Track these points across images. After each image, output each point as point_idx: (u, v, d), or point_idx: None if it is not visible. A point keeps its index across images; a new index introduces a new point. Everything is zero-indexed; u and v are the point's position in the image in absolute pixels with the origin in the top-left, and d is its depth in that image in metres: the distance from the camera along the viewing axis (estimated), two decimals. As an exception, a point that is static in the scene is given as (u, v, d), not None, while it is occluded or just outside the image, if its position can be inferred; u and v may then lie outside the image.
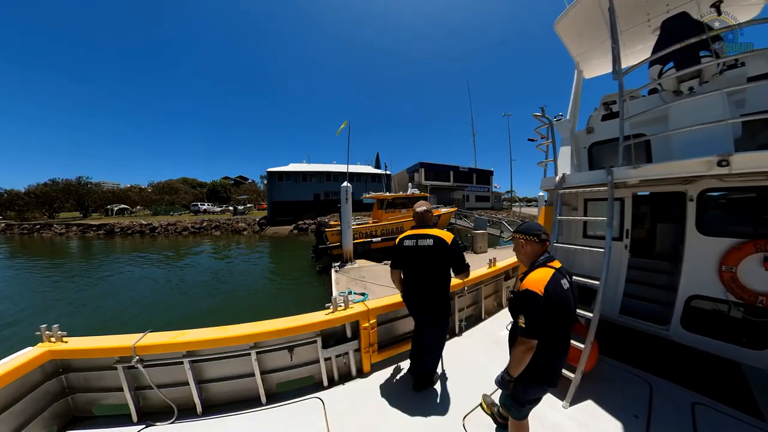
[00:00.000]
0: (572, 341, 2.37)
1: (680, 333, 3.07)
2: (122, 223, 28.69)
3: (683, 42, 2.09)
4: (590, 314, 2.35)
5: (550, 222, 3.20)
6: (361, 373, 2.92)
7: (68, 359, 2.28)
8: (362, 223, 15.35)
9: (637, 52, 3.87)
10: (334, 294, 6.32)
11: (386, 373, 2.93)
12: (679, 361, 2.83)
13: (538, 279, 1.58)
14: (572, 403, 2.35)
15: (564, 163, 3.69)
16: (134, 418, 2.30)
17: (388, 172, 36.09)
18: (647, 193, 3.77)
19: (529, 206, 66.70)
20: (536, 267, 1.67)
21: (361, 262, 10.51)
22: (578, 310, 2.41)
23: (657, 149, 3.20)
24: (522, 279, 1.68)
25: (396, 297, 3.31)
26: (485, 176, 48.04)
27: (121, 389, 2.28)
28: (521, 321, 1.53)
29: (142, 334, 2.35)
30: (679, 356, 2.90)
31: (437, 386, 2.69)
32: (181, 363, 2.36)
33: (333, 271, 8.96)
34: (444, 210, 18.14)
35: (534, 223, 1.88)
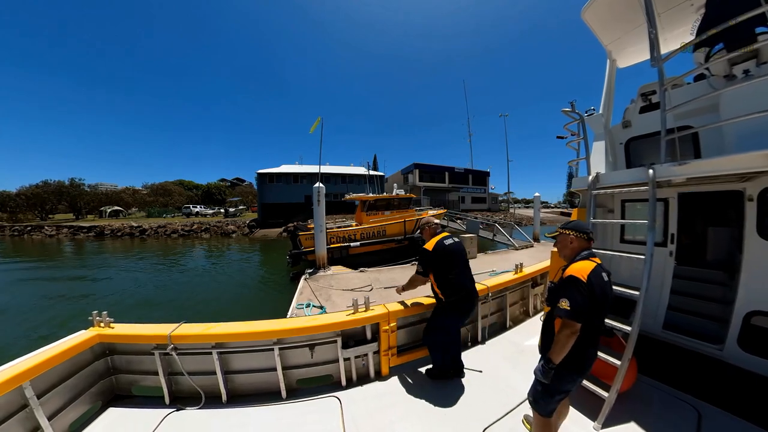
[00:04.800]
0: (608, 356, 2.19)
1: (737, 354, 2.64)
2: (112, 226, 28.44)
3: (737, 18, 1.79)
4: (628, 328, 2.11)
5: None
6: (380, 376, 2.92)
7: (114, 343, 2.53)
8: (341, 226, 14.63)
9: (678, 36, 3.46)
10: (291, 306, 6.00)
11: (405, 377, 2.90)
12: (734, 387, 2.47)
13: (582, 268, 1.68)
14: (605, 425, 2.15)
15: (597, 161, 3.39)
16: (167, 400, 2.49)
17: (381, 174, 35.60)
18: (696, 192, 3.36)
19: (527, 207, 66.35)
20: (579, 259, 1.77)
21: (335, 269, 10.07)
22: (615, 323, 2.19)
23: (706, 142, 2.84)
24: (564, 269, 1.78)
25: (417, 301, 3.24)
26: (482, 177, 46.60)
27: (156, 373, 2.48)
28: (565, 304, 1.59)
29: (177, 324, 2.54)
30: (735, 381, 2.52)
31: (457, 394, 2.64)
32: (210, 353, 2.51)
33: (303, 278, 8.62)
34: (432, 212, 17.63)
35: (582, 222, 1.99)
